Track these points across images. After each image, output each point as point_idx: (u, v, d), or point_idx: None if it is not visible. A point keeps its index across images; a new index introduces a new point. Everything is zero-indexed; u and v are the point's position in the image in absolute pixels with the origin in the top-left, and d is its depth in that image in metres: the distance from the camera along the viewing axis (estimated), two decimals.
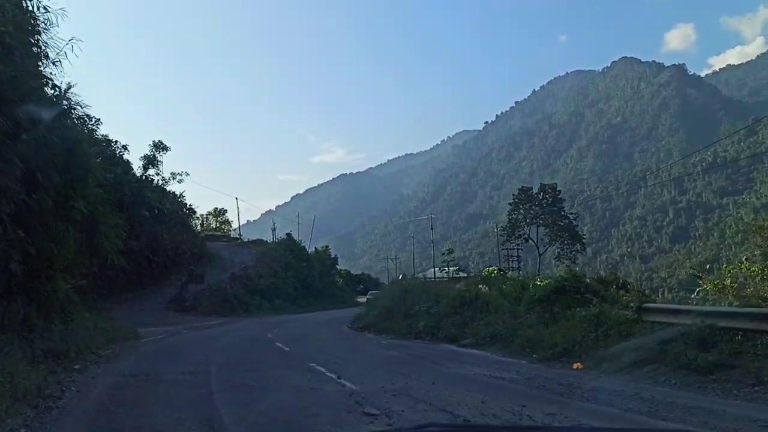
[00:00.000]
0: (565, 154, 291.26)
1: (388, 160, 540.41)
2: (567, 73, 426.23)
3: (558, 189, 71.01)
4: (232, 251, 56.25)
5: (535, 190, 70.08)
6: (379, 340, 19.02)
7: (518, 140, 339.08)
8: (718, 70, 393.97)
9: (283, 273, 51.21)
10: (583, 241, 72.21)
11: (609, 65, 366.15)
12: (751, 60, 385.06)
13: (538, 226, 67.19)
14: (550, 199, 67.78)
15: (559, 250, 66.99)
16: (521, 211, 68.56)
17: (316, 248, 68.33)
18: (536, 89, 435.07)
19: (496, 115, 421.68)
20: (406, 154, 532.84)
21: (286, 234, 63.29)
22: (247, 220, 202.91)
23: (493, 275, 45.19)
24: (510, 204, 70.81)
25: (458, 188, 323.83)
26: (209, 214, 79.17)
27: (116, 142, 37.77)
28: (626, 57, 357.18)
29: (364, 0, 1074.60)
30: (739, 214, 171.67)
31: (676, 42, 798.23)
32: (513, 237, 68.45)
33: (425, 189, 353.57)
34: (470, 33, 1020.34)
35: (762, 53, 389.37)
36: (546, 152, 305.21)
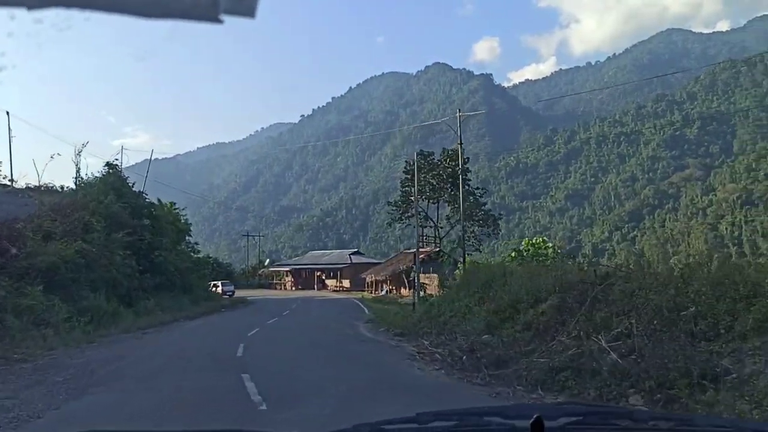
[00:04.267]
0: (379, 152, 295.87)
1: (198, 148, 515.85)
2: (383, 73, 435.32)
3: (466, 156, 54.63)
4: None
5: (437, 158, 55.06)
6: None
7: (334, 135, 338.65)
8: (518, 83, 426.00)
9: (105, 235, 25.70)
10: (498, 223, 57.74)
11: (423, 69, 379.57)
12: (546, 77, 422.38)
13: (438, 202, 54.73)
14: (456, 168, 52.25)
15: (461, 232, 56.02)
16: (419, 181, 53.21)
17: (159, 200, 38.22)
18: (353, 86, 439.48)
19: (313, 109, 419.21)
20: (218, 143, 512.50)
21: (107, 165, 32.47)
22: None
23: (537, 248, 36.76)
24: (404, 172, 56.19)
25: (272, 180, 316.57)
26: None
27: None
28: (439, 63, 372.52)
29: None
30: (537, 217, 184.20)
31: (483, 53, 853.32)
32: (405, 216, 55.70)
33: (237, 179, 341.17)
34: (287, 26, 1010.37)
35: (554, 71, 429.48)
36: (361, 149, 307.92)
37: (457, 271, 38.25)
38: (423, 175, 53.24)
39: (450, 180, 53.15)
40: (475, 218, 52.37)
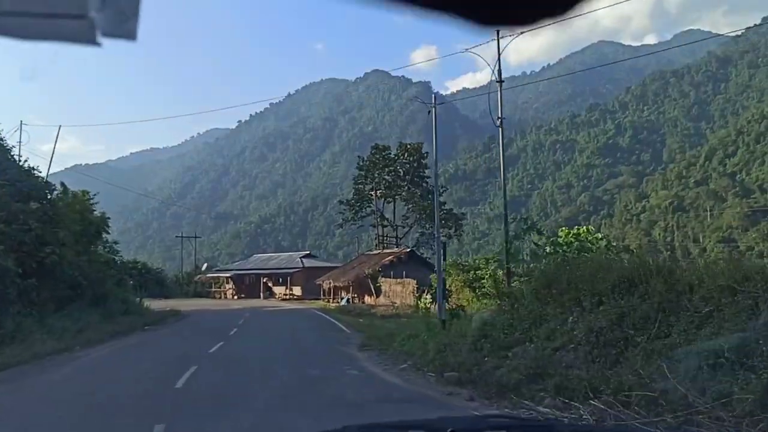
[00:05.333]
0: (318, 159, 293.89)
1: (131, 153, 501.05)
2: (322, 79, 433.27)
3: (425, 152, 51.86)
4: None
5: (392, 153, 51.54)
6: None
7: (272, 141, 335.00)
8: (455, 91, 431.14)
9: None
10: (461, 223, 55.89)
11: (362, 76, 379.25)
12: (483, 85, 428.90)
13: (394, 200, 52.05)
14: (414, 164, 51.69)
15: (420, 234, 51.48)
16: (371, 178, 51.56)
17: (63, 186, 29.98)
18: (291, 92, 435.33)
19: (251, 114, 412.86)
20: (152, 148, 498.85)
21: None
22: None
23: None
24: (358, 168, 54.10)
25: (208, 186, 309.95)
26: None
27: None
28: (378, 70, 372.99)
29: None
30: (476, 223, 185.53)
31: (422, 61, 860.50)
32: (359, 216, 53.29)
33: (172, 185, 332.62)
34: (225, 30, 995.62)
35: (490, 81, 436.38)
36: (300, 155, 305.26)
37: (433, 275, 33.16)
38: (377, 172, 51.84)
39: (407, 177, 51.42)
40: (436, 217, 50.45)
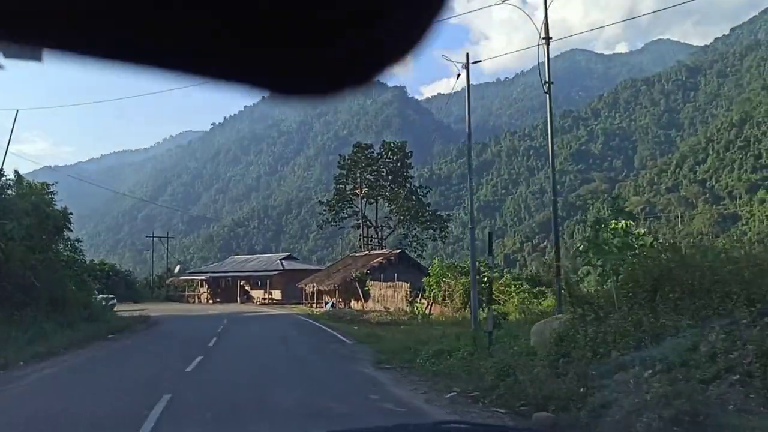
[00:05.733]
0: (292, 162, 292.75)
1: (102, 155, 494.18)
2: None
3: (409, 150, 51.54)
4: None
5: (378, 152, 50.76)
6: None
7: (246, 144, 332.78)
8: (430, 97, 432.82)
9: None
10: (447, 225, 55.16)
11: None
12: (457, 91, 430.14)
13: (377, 201, 50.49)
14: (398, 164, 50.58)
15: (402, 236, 50.11)
16: (353, 177, 50.31)
17: (18, 172, 27.01)
18: (266, 95, 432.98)
19: (225, 117, 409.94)
20: (123, 150, 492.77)
21: None
22: None
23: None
24: (338, 167, 52.59)
25: (181, 189, 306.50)
26: None
27: None
28: None
29: None
30: (450, 228, 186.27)
31: (397, 66, 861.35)
32: (339, 217, 51.86)
33: (144, 188, 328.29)
34: None
35: (464, 87, 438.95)
36: (274, 158, 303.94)
37: (426, 278, 33.16)
38: (359, 171, 50.46)
39: (390, 176, 50.25)
40: (421, 219, 49.50)
